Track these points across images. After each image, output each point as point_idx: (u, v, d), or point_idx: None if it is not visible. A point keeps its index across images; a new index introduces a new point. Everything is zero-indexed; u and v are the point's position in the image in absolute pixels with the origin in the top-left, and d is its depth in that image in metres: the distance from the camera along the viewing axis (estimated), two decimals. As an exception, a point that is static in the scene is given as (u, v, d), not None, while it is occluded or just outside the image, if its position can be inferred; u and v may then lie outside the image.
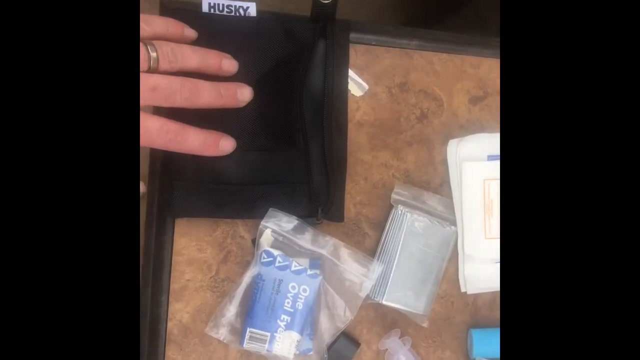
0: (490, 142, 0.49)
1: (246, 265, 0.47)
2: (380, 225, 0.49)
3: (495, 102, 0.50)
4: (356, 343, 0.48)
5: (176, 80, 0.41)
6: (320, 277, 0.46)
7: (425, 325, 0.48)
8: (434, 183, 0.50)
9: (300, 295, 0.45)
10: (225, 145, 0.45)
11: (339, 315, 0.46)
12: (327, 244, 0.47)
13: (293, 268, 0.45)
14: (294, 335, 0.45)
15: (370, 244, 0.49)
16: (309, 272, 0.45)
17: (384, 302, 0.47)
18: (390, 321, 0.49)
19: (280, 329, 0.45)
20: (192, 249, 0.47)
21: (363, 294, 0.46)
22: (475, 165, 0.49)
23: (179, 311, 0.47)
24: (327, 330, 0.47)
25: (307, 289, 0.45)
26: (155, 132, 0.41)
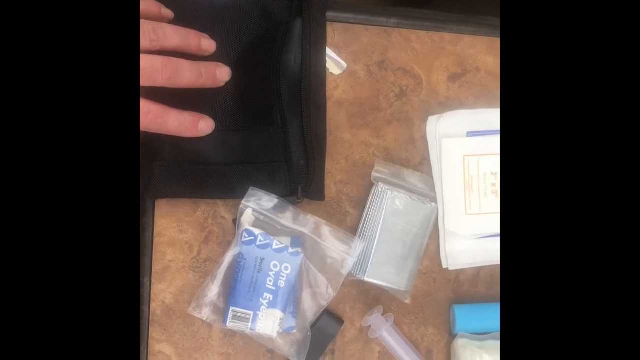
0: (469, 119, 0.50)
1: (228, 245, 0.48)
2: (361, 204, 0.50)
3: (474, 78, 0.51)
4: (339, 320, 0.49)
5: (158, 60, 0.42)
6: (302, 255, 0.47)
7: (407, 301, 0.49)
8: (414, 160, 0.51)
9: (282, 274, 0.46)
10: (204, 126, 0.46)
11: (322, 292, 0.48)
12: (308, 222, 0.48)
13: (274, 246, 0.46)
14: (277, 314, 0.46)
15: (351, 222, 0.50)
16: (291, 250, 0.47)
17: (366, 279, 0.48)
18: (373, 298, 0.50)
19: (262, 307, 0.46)
20: (173, 230, 0.48)
21: (345, 271, 0.48)
22: (455, 142, 0.50)
23: (162, 292, 0.48)
24: (310, 308, 0.48)
25: (289, 266, 0.47)
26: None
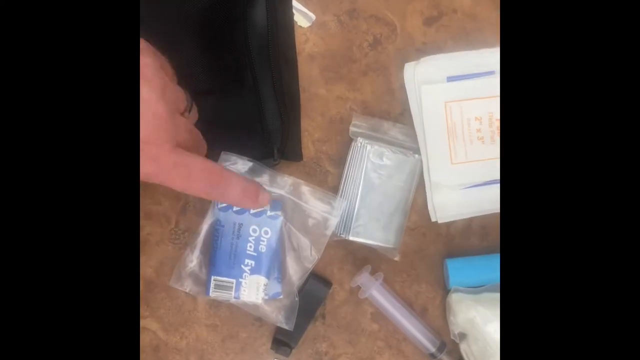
0: (449, 63, 0.48)
1: (205, 214, 0.47)
2: (342, 162, 0.48)
3: (451, 21, 0.49)
4: (328, 283, 0.48)
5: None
6: (282, 218, 0.45)
7: (396, 259, 0.48)
8: (394, 112, 0.49)
9: (262, 238, 0.45)
10: (263, 199, 0.42)
11: (306, 255, 0.46)
12: (286, 184, 0.46)
13: (252, 211, 0.45)
14: (261, 279, 0.45)
15: (333, 181, 0.49)
16: (269, 213, 0.45)
17: (351, 238, 0.47)
18: (361, 258, 0.49)
19: (245, 274, 0.45)
20: (148, 202, 0.47)
21: (329, 232, 0.46)
22: (435, 88, 0.48)
23: (142, 266, 0.47)
24: (295, 272, 0.46)
25: (269, 230, 0.45)
26: (198, 172, 0.37)
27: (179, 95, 0.38)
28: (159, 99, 0.34)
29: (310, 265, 0.46)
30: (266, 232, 0.45)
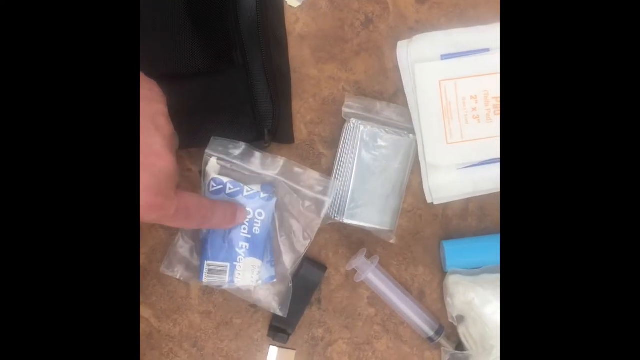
0: (443, 41, 0.48)
1: (197, 198, 0.47)
2: (335, 144, 0.48)
3: (445, -2, 0.49)
4: (322, 267, 0.48)
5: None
6: (276, 198, 0.45)
7: (392, 241, 0.47)
8: (387, 92, 0.49)
9: (256, 220, 0.45)
10: (240, 216, 0.44)
11: (298, 239, 0.46)
12: (278, 166, 0.46)
13: (245, 193, 0.45)
14: (256, 262, 0.45)
15: (327, 163, 0.48)
16: (263, 195, 0.45)
17: (345, 221, 0.46)
18: (357, 242, 0.48)
19: (239, 257, 0.45)
20: (138, 188, 0.47)
21: (322, 215, 0.46)
22: (429, 66, 0.47)
23: (133, 254, 0.47)
24: (287, 255, 0.46)
25: (263, 212, 0.45)
26: (194, 210, 0.40)
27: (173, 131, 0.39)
28: (170, 149, 0.36)
29: (302, 249, 0.46)
30: (260, 214, 0.45)
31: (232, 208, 0.44)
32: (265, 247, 0.45)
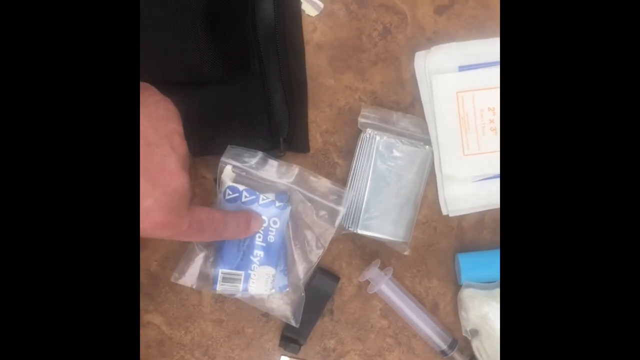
0: (460, 52, 0.48)
1: (211, 206, 0.47)
2: (350, 154, 0.48)
3: (463, 9, 0.49)
4: (335, 277, 0.48)
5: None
6: (290, 207, 0.45)
7: (406, 253, 0.47)
8: (404, 102, 0.48)
9: (271, 228, 0.45)
10: (255, 225, 0.44)
11: (312, 248, 0.46)
12: (293, 175, 0.46)
13: (261, 201, 0.45)
14: (269, 270, 0.45)
15: (341, 173, 0.48)
16: (278, 203, 0.45)
17: (359, 231, 0.46)
18: (370, 252, 0.48)
19: (254, 265, 0.45)
20: (153, 194, 0.47)
21: (335, 224, 0.46)
22: (446, 78, 0.47)
23: (146, 260, 0.47)
24: (301, 265, 0.46)
25: (278, 220, 0.45)
26: (206, 223, 0.40)
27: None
28: (184, 168, 0.36)
29: (315, 259, 0.46)
30: (275, 222, 0.45)
31: (246, 217, 0.44)
32: (280, 255, 0.45)
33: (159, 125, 0.35)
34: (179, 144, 0.36)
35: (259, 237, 0.44)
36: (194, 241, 0.44)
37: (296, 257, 0.46)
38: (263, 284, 0.45)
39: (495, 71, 0.47)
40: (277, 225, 0.45)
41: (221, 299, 0.47)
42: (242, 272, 0.44)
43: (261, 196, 0.44)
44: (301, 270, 0.46)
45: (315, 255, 0.46)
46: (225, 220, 0.42)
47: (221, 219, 0.41)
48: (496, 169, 0.48)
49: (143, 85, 0.36)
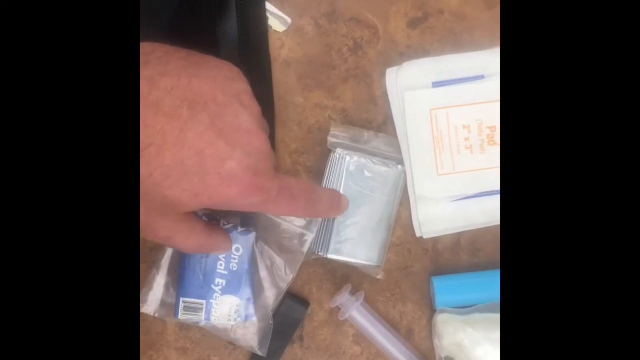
0: (434, 67, 0.46)
1: (175, 230, 0.45)
2: (321, 173, 0.46)
3: (437, 22, 0.47)
4: (305, 303, 0.46)
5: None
6: (253, 233, 0.43)
7: (379, 277, 0.46)
8: (376, 121, 0.47)
9: (233, 255, 0.43)
10: (344, 203, 0.43)
11: (280, 274, 0.44)
12: (259, 198, 0.44)
13: (221, 226, 0.43)
14: (233, 300, 0.43)
15: (311, 194, 0.46)
16: (240, 229, 0.43)
17: (329, 256, 0.44)
18: (342, 276, 0.47)
19: (216, 294, 0.43)
20: (114, 218, 0.45)
21: (304, 249, 0.44)
22: (419, 94, 0.45)
23: (108, 287, 0.45)
24: (269, 292, 0.44)
25: (240, 247, 0.43)
26: (298, 192, 0.37)
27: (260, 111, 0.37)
28: (259, 127, 0.34)
29: (284, 285, 0.44)
30: (237, 249, 0.43)
31: (336, 194, 0.42)
32: (244, 283, 0.43)
33: (225, 86, 0.33)
34: (250, 103, 0.34)
35: (220, 264, 0.43)
36: (287, 215, 0.41)
37: (264, 283, 0.44)
38: (226, 313, 0.43)
39: (471, 87, 0.46)
40: (240, 253, 0.43)
41: (186, 326, 0.46)
42: (204, 301, 0.43)
43: (222, 221, 0.43)
44: (269, 297, 0.44)
45: (284, 282, 0.44)
46: (318, 192, 0.39)
47: (313, 190, 0.39)
48: (472, 188, 0.46)
49: (201, 53, 0.34)
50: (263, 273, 0.44)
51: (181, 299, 0.43)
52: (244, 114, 0.33)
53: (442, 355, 0.45)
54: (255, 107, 0.35)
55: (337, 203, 0.42)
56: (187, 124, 0.31)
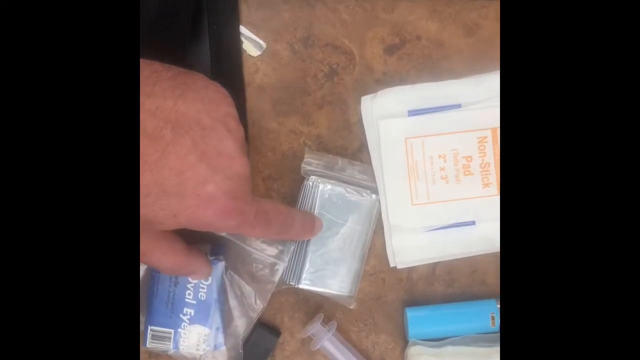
0: (410, 95, 0.45)
1: (145, 257, 0.45)
2: (294, 201, 0.46)
3: (415, 49, 0.46)
4: (276, 332, 0.45)
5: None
6: (222, 262, 0.43)
7: (352, 307, 0.45)
8: (351, 148, 0.46)
9: (202, 285, 0.43)
10: (318, 226, 0.43)
11: (250, 304, 0.44)
12: (230, 226, 0.44)
13: (192, 256, 0.42)
14: (201, 330, 0.43)
15: (284, 222, 0.46)
16: (210, 258, 0.42)
17: (301, 286, 0.44)
18: (314, 305, 0.46)
19: (184, 324, 0.43)
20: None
21: (276, 279, 0.43)
22: (394, 123, 0.45)
23: (76, 313, 0.45)
24: (239, 322, 0.44)
25: (209, 277, 0.42)
26: (273, 215, 0.38)
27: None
28: (242, 151, 0.34)
29: (255, 315, 0.44)
30: (206, 279, 0.43)
31: (310, 217, 0.43)
32: (213, 313, 0.43)
33: (211, 109, 0.33)
34: (235, 127, 0.34)
35: (189, 294, 0.42)
36: (261, 237, 0.42)
37: (234, 313, 0.44)
38: (194, 343, 0.43)
39: (448, 116, 0.45)
40: (209, 282, 0.42)
41: (155, 353, 0.45)
42: (172, 330, 0.42)
43: (192, 250, 0.42)
44: (240, 326, 0.44)
45: (255, 311, 0.44)
46: (292, 216, 0.40)
47: (288, 214, 0.39)
48: (447, 219, 0.45)
49: (189, 71, 0.34)
50: (233, 302, 0.44)
51: (149, 327, 0.43)
52: (229, 139, 0.33)
53: (414, 389, 0.44)
54: (240, 131, 0.35)
55: (310, 226, 0.42)
56: (169, 146, 0.31)
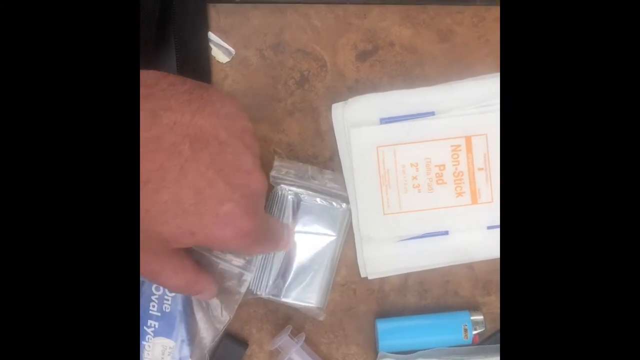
0: (382, 103, 0.45)
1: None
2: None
3: (388, 55, 0.46)
4: (243, 344, 0.45)
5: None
6: (188, 274, 0.42)
7: (321, 319, 0.44)
8: (322, 156, 0.46)
9: (166, 297, 0.42)
10: (292, 240, 0.43)
11: (216, 315, 0.43)
12: (196, 236, 0.43)
13: (156, 267, 0.42)
14: (166, 342, 0.42)
15: (254, 231, 0.45)
16: (175, 269, 0.42)
17: (269, 297, 0.43)
18: (284, 317, 0.45)
19: (148, 336, 0.42)
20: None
21: (242, 290, 0.43)
22: (366, 131, 0.44)
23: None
24: (205, 333, 0.43)
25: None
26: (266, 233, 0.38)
27: None
28: (259, 167, 0.34)
29: (221, 326, 0.43)
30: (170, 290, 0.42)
31: (289, 228, 0.43)
32: (178, 325, 0.42)
33: (228, 123, 0.33)
34: (252, 142, 0.34)
35: (153, 306, 0.42)
36: (259, 253, 0.43)
37: (200, 325, 0.43)
38: (159, 356, 0.42)
39: (421, 124, 0.45)
40: (173, 294, 0.42)
41: (120, 366, 0.45)
42: (136, 343, 0.42)
43: (158, 261, 0.42)
44: (206, 338, 0.43)
45: (221, 323, 0.43)
46: (282, 230, 0.40)
47: (280, 228, 0.40)
48: (419, 229, 0.45)
49: (204, 84, 0.33)
50: (199, 314, 0.43)
51: (112, 340, 0.42)
52: (246, 154, 0.33)
53: (384, 403, 0.44)
54: (256, 147, 0.35)
55: (291, 238, 0.42)
56: (187, 162, 0.31)
